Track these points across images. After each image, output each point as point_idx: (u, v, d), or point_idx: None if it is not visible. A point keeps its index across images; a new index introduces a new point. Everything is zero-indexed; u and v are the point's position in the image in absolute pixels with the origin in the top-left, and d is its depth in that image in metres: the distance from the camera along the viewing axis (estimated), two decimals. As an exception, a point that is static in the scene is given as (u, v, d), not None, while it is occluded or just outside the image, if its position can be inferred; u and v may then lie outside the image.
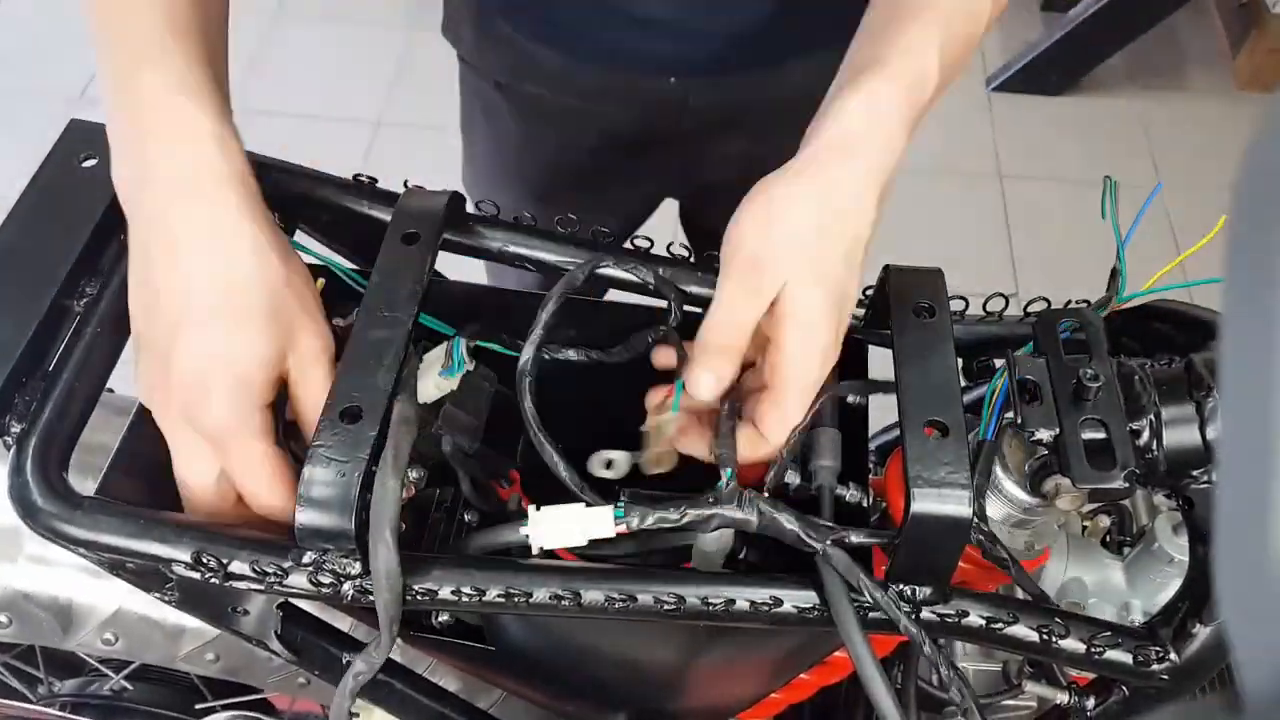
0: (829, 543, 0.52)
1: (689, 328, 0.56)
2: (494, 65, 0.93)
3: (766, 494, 0.54)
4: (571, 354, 0.61)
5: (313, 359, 0.52)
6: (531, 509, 0.53)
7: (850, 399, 0.62)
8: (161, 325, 0.51)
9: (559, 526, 0.53)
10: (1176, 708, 0.51)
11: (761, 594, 0.53)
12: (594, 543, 0.53)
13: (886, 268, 0.59)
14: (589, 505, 0.53)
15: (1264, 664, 0.18)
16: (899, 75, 0.53)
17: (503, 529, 0.55)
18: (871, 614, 0.52)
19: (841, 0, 0.62)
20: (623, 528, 0.52)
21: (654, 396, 0.59)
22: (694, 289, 0.61)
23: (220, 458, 0.51)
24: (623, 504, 0.53)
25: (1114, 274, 0.60)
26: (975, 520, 0.52)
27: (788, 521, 0.52)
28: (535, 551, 0.53)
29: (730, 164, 0.95)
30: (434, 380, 0.59)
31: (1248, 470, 0.18)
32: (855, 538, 0.53)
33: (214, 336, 0.50)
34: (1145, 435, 0.53)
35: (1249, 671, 0.19)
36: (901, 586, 0.53)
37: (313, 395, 0.52)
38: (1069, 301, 0.61)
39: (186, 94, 0.52)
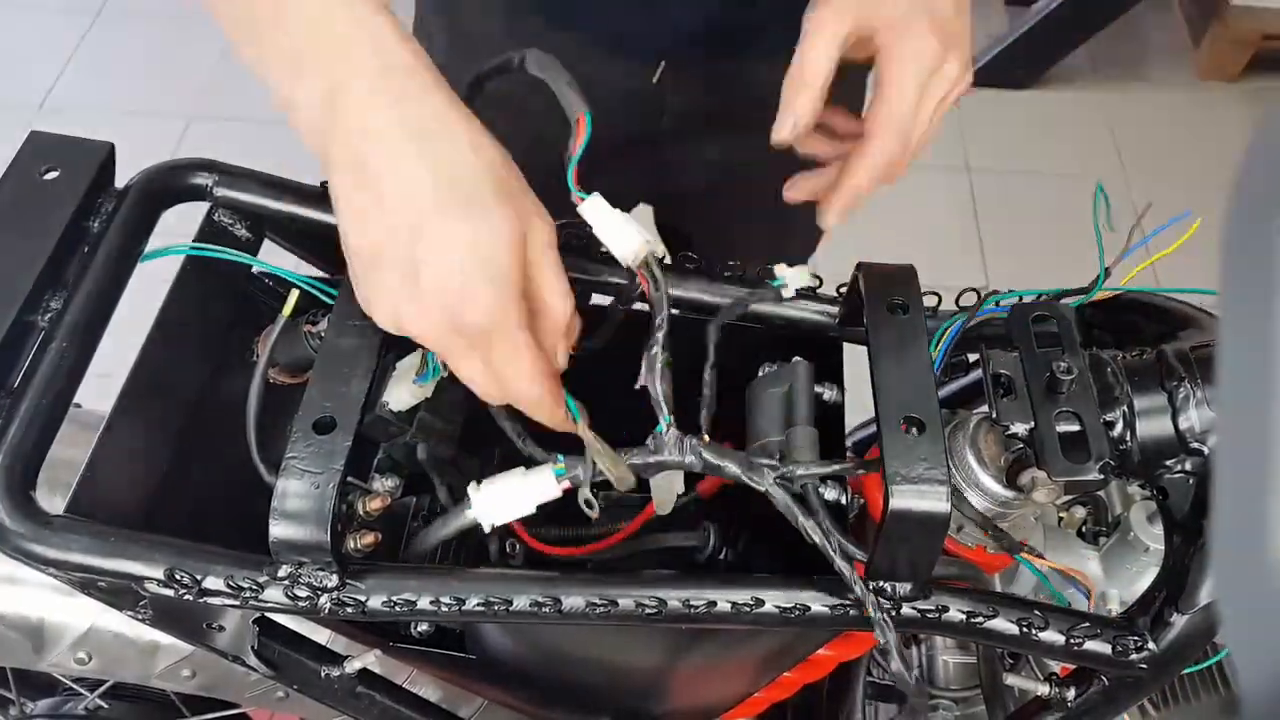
0: (774, 480, 0.52)
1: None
2: (467, 65, 0.92)
3: (705, 437, 0.53)
4: None
5: (547, 242, 0.50)
6: (471, 486, 0.53)
7: (826, 396, 0.62)
8: (398, 233, 0.48)
9: (504, 499, 0.52)
10: (1176, 710, 0.51)
11: (742, 595, 0.53)
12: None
13: (859, 265, 0.59)
14: (527, 469, 0.52)
15: (1261, 668, 0.18)
16: None
17: (448, 517, 0.54)
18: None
19: None
20: (566, 484, 0.52)
21: None
22: (678, 292, 0.61)
23: (483, 354, 0.49)
24: (562, 461, 0.52)
25: (1099, 276, 0.61)
26: (980, 514, 0.52)
27: (729, 463, 0.52)
28: (487, 530, 0.52)
29: (706, 170, 0.94)
30: (408, 388, 0.58)
31: (1245, 482, 0.18)
32: (801, 471, 0.53)
33: (461, 228, 0.47)
34: (1119, 426, 0.53)
35: (1246, 675, 0.19)
36: (881, 583, 0.53)
37: (551, 281, 0.50)
38: (1039, 295, 0.61)
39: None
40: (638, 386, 0.53)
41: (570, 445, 0.53)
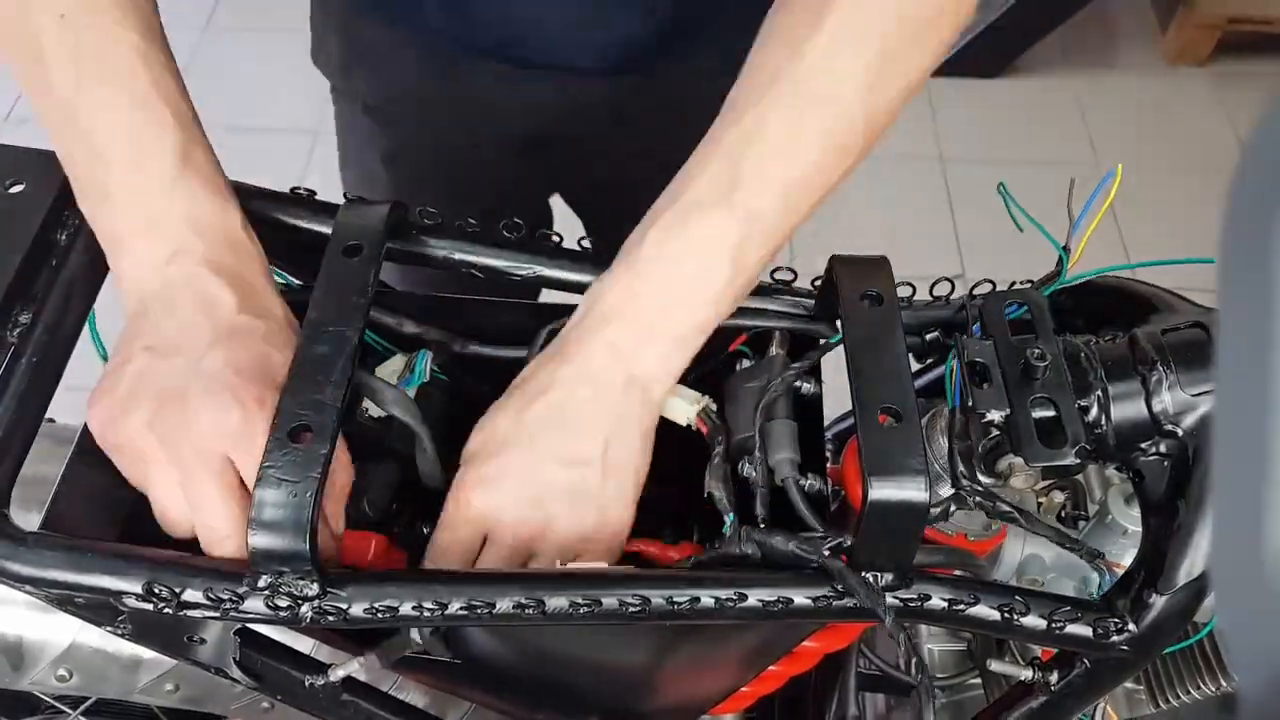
0: (825, 552, 0.53)
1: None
2: (363, 85, 0.92)
3: (762, 526, 0.56)
4: (508, 351, 0.63)
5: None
6: None
7: (804, 390, 0.62)
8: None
9: None
10: (1172, 709, 0.52)
11: (725, 590, 0.53)
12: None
13: (833, 258, 0.60)
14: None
15: (1259, 667, 0.19)
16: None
17: None
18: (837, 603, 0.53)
19: (719, 6, 0.61)
20: None
21: None
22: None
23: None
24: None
25: (1059, 262, 0.61)
26: (968, 484, 0.54)
27: (782, 544, 0.54)
28: None
29: (619, 166, 0.94)
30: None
31: (1243, 477, 0.18)
32: (850, 543, 0.53)
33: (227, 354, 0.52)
34: (1094, 411, 0.54)
35: (1244, 674, 0.19)
36: (864, 574, 0.53)
37: None
38: (1013, 282, 0.61)
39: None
40: (706, 495, 0.57)
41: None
